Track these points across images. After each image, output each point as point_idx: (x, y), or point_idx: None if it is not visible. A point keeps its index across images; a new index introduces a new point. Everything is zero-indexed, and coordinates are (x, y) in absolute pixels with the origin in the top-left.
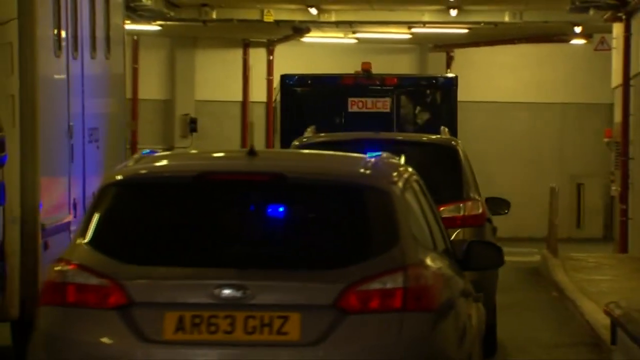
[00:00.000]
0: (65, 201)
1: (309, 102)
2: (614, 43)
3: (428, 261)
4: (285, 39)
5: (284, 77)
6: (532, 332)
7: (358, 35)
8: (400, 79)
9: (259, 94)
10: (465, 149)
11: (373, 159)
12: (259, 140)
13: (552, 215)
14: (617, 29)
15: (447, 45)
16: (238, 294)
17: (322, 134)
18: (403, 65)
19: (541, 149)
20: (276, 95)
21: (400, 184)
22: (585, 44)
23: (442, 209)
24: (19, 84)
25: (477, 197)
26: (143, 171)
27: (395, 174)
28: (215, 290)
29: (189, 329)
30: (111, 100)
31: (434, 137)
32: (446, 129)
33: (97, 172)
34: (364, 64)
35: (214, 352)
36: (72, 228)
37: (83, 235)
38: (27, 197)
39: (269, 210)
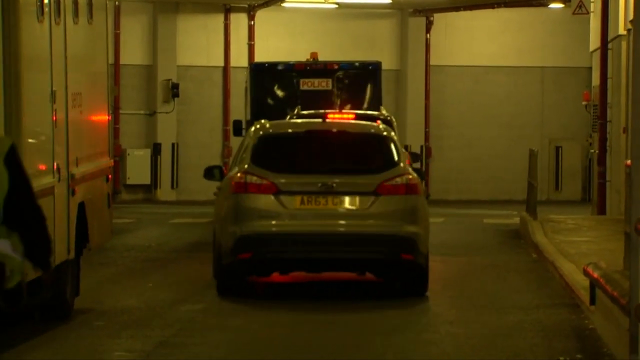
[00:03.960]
0: (49, 166)
1: (272, 82)
2: (592, 7)
3: (412, 171)
4: (265, 4)
5: (252, 64)
6: (512, 293)
7: (338, 0)
8: (338, 64)
9: (240, 59)
10: (445, 113)
11: (378, 122)
12: (239, 106)
13: (532, 177)
14: None
15: (427, 10)
16: (328, 187)
17: (306, 111)
18: (383, 31)
19: (521, 113)
20: (246, 79)
21: (394, 133)
22: (563, 7)
23: None
24: (2, 49)
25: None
26: (277, 130)
27: (390, 129)
28: (318, 185)
29: (306, 203)
30: (94, 65)
31: (376, 112)
32: (383, 108)
33: (80, 137)
34: (312, 53)
35: (318, 213)
36: (56, 192)
37: (251, 159)
38: None
39: (339, 146)
